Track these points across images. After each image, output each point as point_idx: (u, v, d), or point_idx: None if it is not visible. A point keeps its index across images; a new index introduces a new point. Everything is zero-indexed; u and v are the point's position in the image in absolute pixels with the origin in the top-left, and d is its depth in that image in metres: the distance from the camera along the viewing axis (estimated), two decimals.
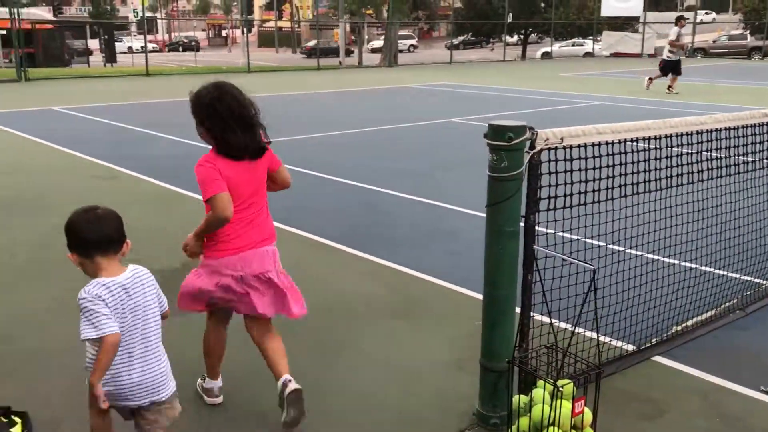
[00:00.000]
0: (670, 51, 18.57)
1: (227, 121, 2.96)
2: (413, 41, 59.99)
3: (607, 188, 3.44)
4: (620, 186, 3.51)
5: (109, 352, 2.32)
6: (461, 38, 54.41)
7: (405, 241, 6.06)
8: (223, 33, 74.51)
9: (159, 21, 70.38)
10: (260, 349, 3.23)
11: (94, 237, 2.40)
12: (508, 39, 43.92)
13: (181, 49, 59.32)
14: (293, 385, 3.09)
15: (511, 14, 40.54)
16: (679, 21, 18.86)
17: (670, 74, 18.59)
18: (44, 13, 44.79)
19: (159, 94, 18.90)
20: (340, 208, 7.20)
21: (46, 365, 3.79)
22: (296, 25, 62.57)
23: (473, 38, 56.51)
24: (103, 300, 2.33)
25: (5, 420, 2.89)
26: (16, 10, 24.40)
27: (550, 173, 3.12)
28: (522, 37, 47.30)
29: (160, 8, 78.42)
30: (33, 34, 31.14)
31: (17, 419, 2.91)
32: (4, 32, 28.18)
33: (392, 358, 3.89)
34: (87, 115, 14.45)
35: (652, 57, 37.36)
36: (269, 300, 3.17)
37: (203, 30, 78.18)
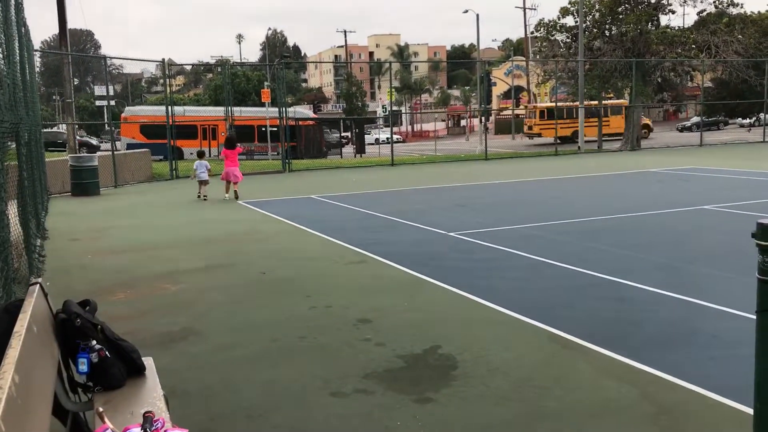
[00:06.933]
0: None
1: None
2: None
3: None
4: None
5: None
6: (694, 119, 51.07)
7: (656, 340, 5.67)
8: (462, 123, 77.31)
9: (403, 114, 75.36)
10: None
11: None
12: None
13: None
14: None
15: None
16: None
17: None
18: (306, 111, 50.02)
19: (402, 183, 20.06)
20: (584, 303, 6.97)
21: None
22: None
23: (710, 119, 52.90)
24: None
25: None
26: (284, 110, 27.67)
27: None
28: None
29: (404, 103, 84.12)
30: (297, 129, 35.01)
31: None
32: (274, 129, 32.13)
33: None
34: (339, 203, 15.76)
35: None
36: None
37: (443, 120, 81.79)
